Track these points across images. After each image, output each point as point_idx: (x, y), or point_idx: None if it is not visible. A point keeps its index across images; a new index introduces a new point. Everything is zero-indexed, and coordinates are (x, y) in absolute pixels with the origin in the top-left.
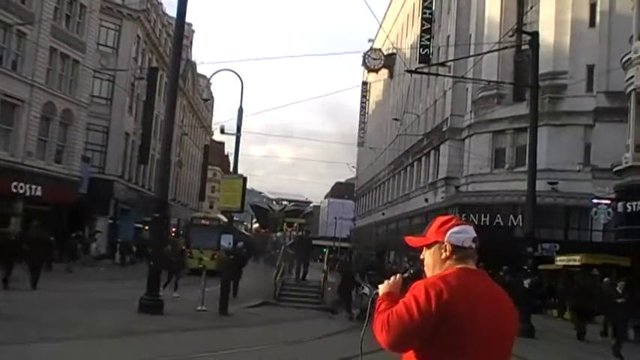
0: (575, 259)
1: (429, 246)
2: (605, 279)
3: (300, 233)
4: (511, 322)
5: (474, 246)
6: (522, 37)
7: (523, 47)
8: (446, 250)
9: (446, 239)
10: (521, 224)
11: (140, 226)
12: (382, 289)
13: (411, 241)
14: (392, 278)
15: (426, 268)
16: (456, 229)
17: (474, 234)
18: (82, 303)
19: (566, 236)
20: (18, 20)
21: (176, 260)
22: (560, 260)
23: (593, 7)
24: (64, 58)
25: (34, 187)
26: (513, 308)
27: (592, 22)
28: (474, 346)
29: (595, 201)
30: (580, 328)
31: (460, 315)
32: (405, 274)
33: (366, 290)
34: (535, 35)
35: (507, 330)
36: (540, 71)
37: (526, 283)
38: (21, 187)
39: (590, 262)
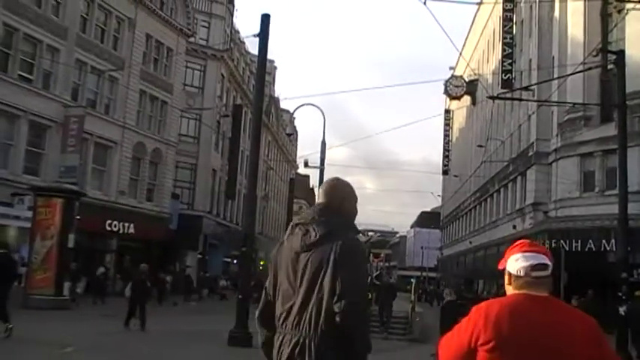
0: None
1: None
2: None
3: (384, 268)
4: (574, 350)
5: (533, 274)
6: (607, 56)
7: (609, 67)
8: (507, 277)
9: (506, 266)
10: (614, 249)
11: (229, 260)
12: None
13: (499, 263)
14: None
15: None
16: (514, 256)
17: (533, 262)
18: (172, 336)
19: None
20: (110, 66)
21: None
22: None
23: None
24: (153, 99)
25: (126, 224)
26: (581, 336)
27: None
28: None
29: None
30: None
31: (500, 338)
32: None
33: None
34: (620, 54)
35: (567, 357)
36: (628, 90)
37: (622, 310)
38: (115, 225)
39: None
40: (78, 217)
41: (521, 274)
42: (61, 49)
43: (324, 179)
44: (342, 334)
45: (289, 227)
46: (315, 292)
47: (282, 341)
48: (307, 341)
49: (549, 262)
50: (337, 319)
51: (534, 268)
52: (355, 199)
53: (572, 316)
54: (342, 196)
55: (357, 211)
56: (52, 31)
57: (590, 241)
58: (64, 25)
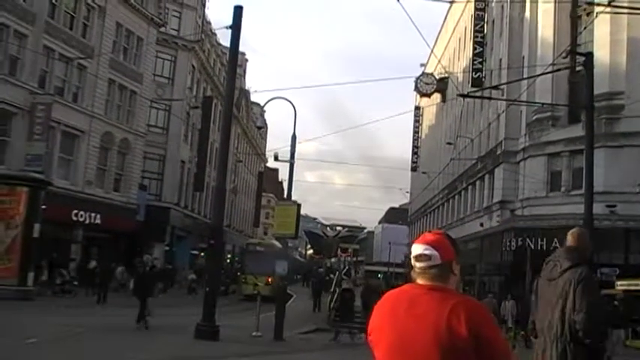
0: (637, 284)
1: None
2: None
3: (352, 263)
4: (424, 338)
5: (417, 265)
6: (576, 58)
7: (577, 68)
8: None
9: None
10: None
11: (196, 252)
12: None
13: None
14: None
15: None
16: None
17: (414, 253)
18: (138, 329)
19: (626, 260)
20: (79, 54)
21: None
22: (621, 285)
23: None
24: (122, 89)
25: (93, 215)
26: (433, 323)
27: None
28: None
29: None
30: None
31: (372, 327)
32: None
33: None
34: (589, 56)
35: (418, 344)
36: (596, 92)
37: None
38: (81, 215)
39: None
40: (44, 207)
41: (412, 265)
42: (29, 35)
43: (294, 174)
44: (584, 337)
45: (545, 262)
46: (563, 309)
47: (545, 346)
48: (567, 345)
49: (432, 252)
50: (577, 327)
51: (416, 259)
52: (584, 239)
53: (442, 309)
54: (576, 238)
55: (589, 248)
56: (19, 17)
57: (556, 240)
58: (32, 11)
